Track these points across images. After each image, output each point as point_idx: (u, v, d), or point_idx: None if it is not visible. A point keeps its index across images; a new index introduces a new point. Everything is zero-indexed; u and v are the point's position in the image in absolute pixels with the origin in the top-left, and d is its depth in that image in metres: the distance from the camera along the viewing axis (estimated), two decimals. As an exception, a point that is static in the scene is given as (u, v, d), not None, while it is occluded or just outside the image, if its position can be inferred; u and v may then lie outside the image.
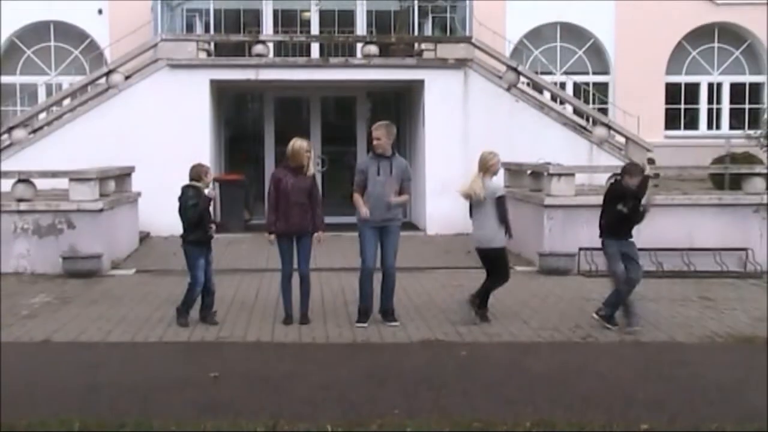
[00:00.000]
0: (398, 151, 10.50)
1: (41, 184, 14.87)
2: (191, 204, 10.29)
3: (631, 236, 10.35)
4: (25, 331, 10.03)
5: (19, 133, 18.93)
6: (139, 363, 8.80)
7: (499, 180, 10.55)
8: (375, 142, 10.29)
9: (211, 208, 10.82)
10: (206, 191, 10.48)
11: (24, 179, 14.34)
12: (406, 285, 12.41)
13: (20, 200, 14.15)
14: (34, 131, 19.28)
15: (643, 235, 14.13)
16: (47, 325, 10.29)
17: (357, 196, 10.35)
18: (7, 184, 14.71)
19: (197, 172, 10.46)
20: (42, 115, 20.01)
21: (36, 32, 23.73)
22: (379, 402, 7.31)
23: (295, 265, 10.49)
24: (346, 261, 13.99)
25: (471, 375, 8.26)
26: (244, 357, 9.01)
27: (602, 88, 24.32)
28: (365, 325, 10.23)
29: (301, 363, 8.69)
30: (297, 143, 10.41)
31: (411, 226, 19.60)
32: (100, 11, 23.36)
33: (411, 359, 8.87)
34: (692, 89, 25.23)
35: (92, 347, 9.39)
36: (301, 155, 10.34)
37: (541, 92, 21.06)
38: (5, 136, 19.32)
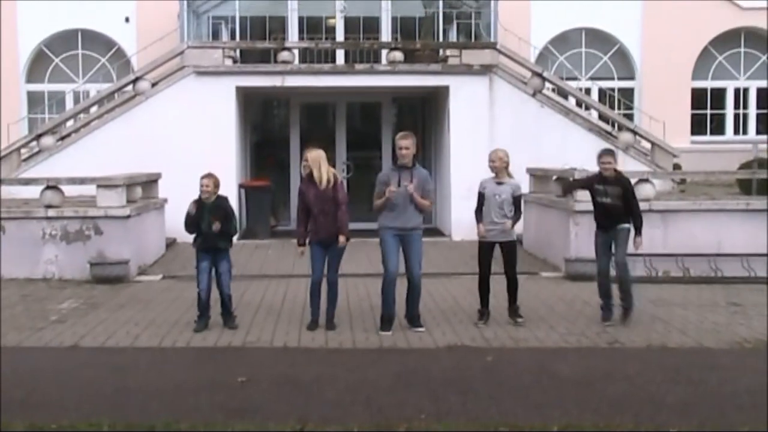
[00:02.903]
0: (423, 157, 10.49)
1: (69, 190, 15.01)
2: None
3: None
4: (54, 335, 10.12)
5: (48, 140, 19.14)
6: (167, 367, 8.84)
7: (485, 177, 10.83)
8: (404, 152, 10.17)
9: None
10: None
11: (52, 186, 14.46)
12: (432, 290, 12.44)
13: (48, 206, 14.26)
14: (62, 138, 19.48)
15: (670, 240, 14.18)
16: (76, 330, 10.37)
17: (377, 202, 10.34)
18: (35, 191, 14.86)
19: None
20: (70, 123, 20.23)
21: (64, 40, 23.96)
22: (407, 406, 7.31)
23: (325, 272, 10.53)
24: (371, 266, 13.99)
25: (498, 379, 8.24)
26: (271, 361, 9.03)
27: (628, 94, 24.24)
28: (389, 333, 10.19)
29: (328, 367, 8.70)
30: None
31: (436, 231, 19.61)
32: (127, 19, 23.55)
33: (438, 364, 8.86)
34: (719, 94, 25.11)
35: (120, 352, 9.46)
36: (302, 165, 10.46)
37: (566, 98, 21.04)
38: (34, 143, 19.52)
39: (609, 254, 10.73)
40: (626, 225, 10.60)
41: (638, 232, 10.65)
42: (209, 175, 10.59)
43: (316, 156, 10.44)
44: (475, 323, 10.59)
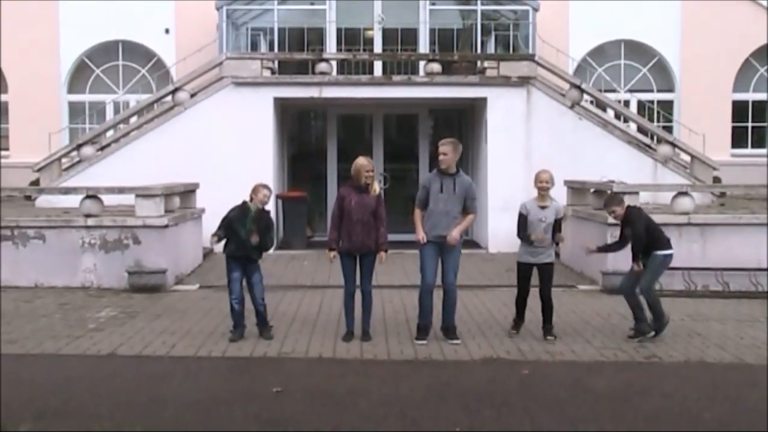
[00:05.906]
0: (460, 168, 10.41)
1: (108, 200, 15.13)
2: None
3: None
4: (91, 344, 10.19)
5: (88, 150, 19.37)
6: (203, 377, 8.87)
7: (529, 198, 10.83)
8: (441, 157, 10.16)
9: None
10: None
11: (92, 195, 14.60)
12: (467, 302, 12.39)
13: (88, 216, 14.40)
14: (102, 148, 19.69)
15: (709, 254, 14.04)
16: (113, 339, 10.44)
17: (417, 215, 10.30)
18: (75, 200, 15.02)
19: (251, 190, 10.62)
20: (109, 133, 20.46)
21: (105, 51, 24.25)
22: (441, 419, 7.28)
23: (358, 282, 10.51)
24: (407, 278, 13.99)
25: (533, 393, 8.18)
26: (306, 372, 9.03)
27: (667, 106, 24.06)
28: (425, 342, 10.19)
29: (363, 379, 8.70)
30: (358, 162, 10.38)
31: (473, 243, 19.56)
32: (167, 30, 23.80)
33: (473, 377, 8.83)
34: (760, 107, 24.82)
35: (156, 361, 9.51)
36: (360, 174, 10.33)
37: (604, 110, 20.94)
38: (74, 153, 19.75)
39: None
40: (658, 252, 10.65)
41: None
42: (268, 186, 10.70)
43: (371, 164, 10.50)
44: (508, 332, 10.54)
